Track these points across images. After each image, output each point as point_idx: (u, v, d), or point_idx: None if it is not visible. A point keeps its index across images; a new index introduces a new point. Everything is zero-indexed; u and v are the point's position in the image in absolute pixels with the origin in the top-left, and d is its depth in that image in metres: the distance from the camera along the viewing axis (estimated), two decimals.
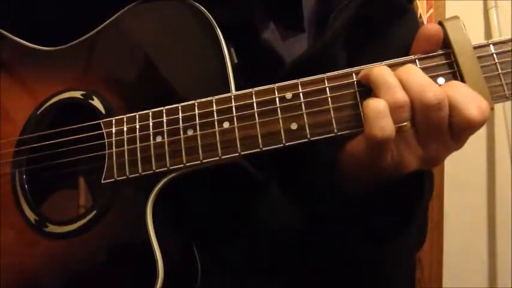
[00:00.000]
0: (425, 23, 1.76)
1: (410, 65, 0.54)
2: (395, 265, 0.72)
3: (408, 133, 0.53)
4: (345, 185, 0.61)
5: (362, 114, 0.55)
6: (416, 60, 0.55)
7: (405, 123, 0.52)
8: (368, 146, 0.53)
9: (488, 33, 1.72)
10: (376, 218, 0.61)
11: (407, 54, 0.56)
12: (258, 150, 0.57)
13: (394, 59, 0.56)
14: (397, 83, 0.52)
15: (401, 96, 0.52)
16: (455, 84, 0.53)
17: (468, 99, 0.51)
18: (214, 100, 0.60)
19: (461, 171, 1.72)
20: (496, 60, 0.53)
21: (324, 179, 0.64)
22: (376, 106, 0.52)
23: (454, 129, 0.52)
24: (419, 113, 0.52)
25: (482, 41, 0.54)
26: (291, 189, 0.69)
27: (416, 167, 0.55)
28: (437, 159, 0.55)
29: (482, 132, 1.73)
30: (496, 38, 0.53)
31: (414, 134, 0.53)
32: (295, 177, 0.69)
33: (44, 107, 0.70)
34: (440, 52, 0.55)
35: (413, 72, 0.53)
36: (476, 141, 1.73)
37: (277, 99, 0.58)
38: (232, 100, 0.59)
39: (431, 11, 1.77)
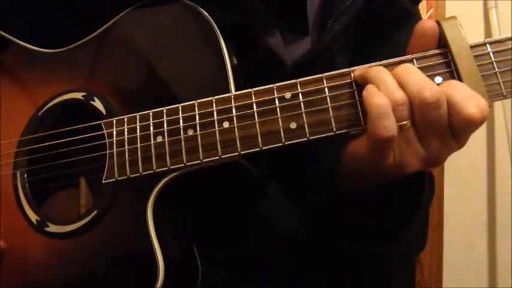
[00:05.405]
0: None
1: (407, 64, 0.55)
2: (395, 267, 0.72)
3: (409, 132, 0.52)
4: (346, 185, 0.61)
5: (360, 113, 0.55)
6: (414, 60, 0.55)
7: (405, 122, 0.52)
8: (371, 146, 0.53)
9: (488, 33, 1.72)
10: (375, 218, 0.61)
11: None
12: (258, 149, 0.58)
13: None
14: (395, 81, 0.53)
15: (400, 94, 0.52)
16: (454, 83, 0.53)
17: (467, 97, 0.51)
18: (214, 100, 0.60)
19: (461, 172, 1.72)
20: (493, 59, 0.53)
21: (325, 178, 0.64)
22: (379, 105, 0.51)
23: (454, 128, 0.52)
24: (418, 112, 0.52)
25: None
26: (291, 189, 0.69)
27: (418, 167, 0.54)
28: (438, 159, 0.55)
29: (482, 132, 1.72)
30: (492, 38, 0.54)
31: (415, 133, 0.53)
32: (296, 177, 0.69)
33: (45, 108, 0.70)
34: (437, 51, 0.55)
35: (411, 71, 0.53)
36: (476, 141, 1.72)
37: (276, 99, 0.58)
38: (232, 100, 0.59)
39: (431, 11, 1.77)
